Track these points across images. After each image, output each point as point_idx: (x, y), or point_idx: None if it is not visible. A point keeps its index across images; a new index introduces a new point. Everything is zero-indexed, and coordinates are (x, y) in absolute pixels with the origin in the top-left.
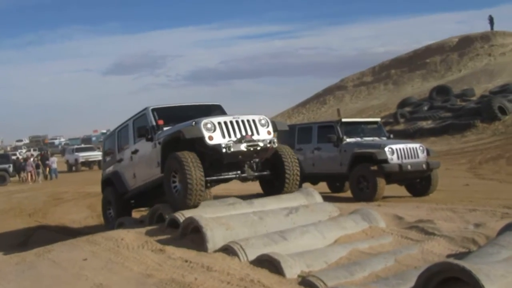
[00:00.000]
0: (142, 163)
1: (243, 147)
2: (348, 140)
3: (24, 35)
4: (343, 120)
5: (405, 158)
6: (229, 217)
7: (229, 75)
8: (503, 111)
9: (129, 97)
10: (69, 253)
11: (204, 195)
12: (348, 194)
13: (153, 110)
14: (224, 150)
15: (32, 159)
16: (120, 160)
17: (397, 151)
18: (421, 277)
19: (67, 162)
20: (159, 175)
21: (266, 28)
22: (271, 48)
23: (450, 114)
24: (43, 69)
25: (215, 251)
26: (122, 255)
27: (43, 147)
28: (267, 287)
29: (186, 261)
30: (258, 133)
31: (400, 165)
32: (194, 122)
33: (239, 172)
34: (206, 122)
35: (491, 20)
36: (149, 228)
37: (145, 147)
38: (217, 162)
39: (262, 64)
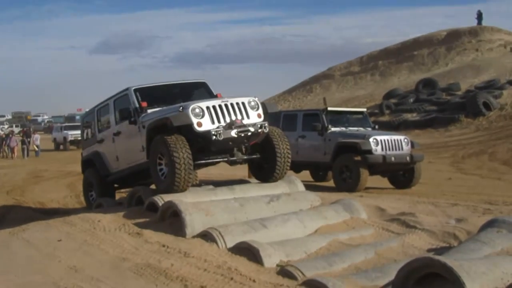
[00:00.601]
0: (125, 146)
1: (233, 133)
2: (333, 129)
3: (11, 9)
4: (329, 109)
5: (389, 149)
6: (210, 203)
7: (216, 59)
8: (487, 106)
9: (115, 77)
10: (44, 233)
11: (192, 179)
12: (330, 183)
13: (135, 90)
14: (213, 138)
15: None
16: (101, 141)
17: (381, 142)
18: (401, 272)
19: (54, 140)
20: (144, 160)
21: (255, 13)
22: (259, 34)
23: (435, 107)
24: (29, 45)
25: (194, 236)
26: (98, 237)
27: (26, 124)
28: (244, 275)
29: (163, 245)
30: (248, 116)
31: (384, 157)
32: (181, 108)
33: (228, 155)
34: (194, 107)
35: (479, 16)
36: (127, 210)
37: (128, 129)
38: (206, 147)
39: (249, 49)
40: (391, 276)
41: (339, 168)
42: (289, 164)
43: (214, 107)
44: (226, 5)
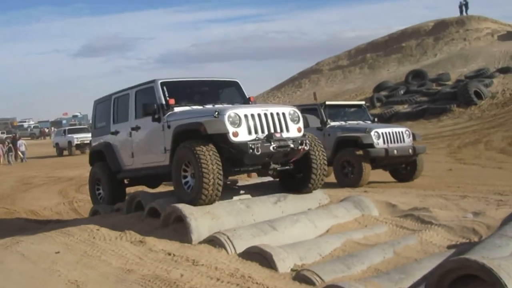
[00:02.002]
0: (144, 144)
1: (271, 148)
2: (332, 123)
3: None
4: (327, 103)
5: (391, 142)
6: (214, 206)
7: (201, 58)
8: (479, 95)
9: (100, 80)
10: (40, 245)
11: (219, 194)
12: (331, 179)
13: (162, 84)
14: (250, 151)
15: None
16: (115, 133)
17: (383, 135)
18: (435, 275)
19: (57, 145)
20: (164, 163)
21: (237, 11)
22: (243, 32)
23: (426, 98)
24: (11, 51)
25: (200, 242)
26: (98, 247)
27: (12, 130)
28: (260, 283)
29: (169, 254)
30: (287, 129)
31: (386, 150)
32: (217, 113)
33: (260, 167)
34: (231, 115)
35: (465, 5)
36: (126, 217)
37: (149, 126)
38: (239, 159)
39: (233, 48)
40: (414, 277)
41: (340, 163)
42: (325, 174)
43: (252, 115)
44: (208, 4)
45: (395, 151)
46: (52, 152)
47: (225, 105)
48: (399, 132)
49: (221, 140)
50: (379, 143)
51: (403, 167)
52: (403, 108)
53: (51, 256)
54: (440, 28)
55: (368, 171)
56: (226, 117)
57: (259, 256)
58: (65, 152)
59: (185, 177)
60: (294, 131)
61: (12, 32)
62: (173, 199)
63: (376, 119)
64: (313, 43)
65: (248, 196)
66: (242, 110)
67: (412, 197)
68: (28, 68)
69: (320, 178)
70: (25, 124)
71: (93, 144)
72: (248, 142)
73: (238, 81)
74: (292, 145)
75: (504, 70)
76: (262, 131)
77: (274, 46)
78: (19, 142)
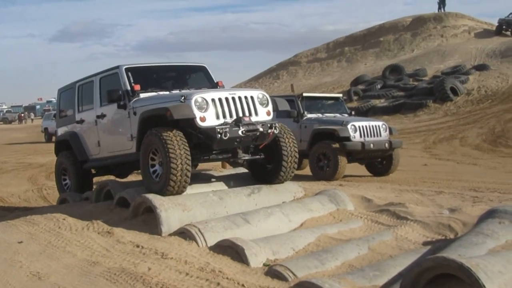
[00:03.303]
0: (110, 132)
1: (240, 132)
2: (309, 115)
3: None
4: (304, 94)
5: (367, 136)
6: (186, 197)
7: (179, 46)
8: (455, 92)
9: (75, 66)
10: (2, 234)
11: (188, 182)
12: (306, 171)
13: (127, 70)
14: (218, 136)
15: None
16: (81, 121)
17: (359, 129)
18: (411, 273)
19: (45, 130)
20: (132, 151)
21: (217, 1)
22: (222, 22)
23: (403, 93)
24: None
25: (170, 234)
26: (63, 237)
27: None
28: (231, 279)
29: (138, 246)
30: (256, 113)
31: (362, 143)
32: (183, 97)
33: (230, 155)
34: (198, 99)
35: (442, 1)
36: (95, 206)
37: (115, 114)
38: (207, 145)
39: (213, 37)
40: (389, 274)
41: (316, 155)
42: (295, 166)
43: (220, 99)
44: None
45: (372, 145)
46: (25, 138)
47: (192, 90)
48: (376, 126)
49: (188, 126)
50: (356, 137)
51: (379, 161)
52: (380, 102)
53: (13, 246)
54: (418, 24)
55: (344, 165)
56: (192, 101)
57: (231, 250)
58: (54, 138)
59: (153, 165)
60: (263, 114)
61: None
62: (144, 189)
63: (353, 112)
64: (292, 35)
65: (222, 187)
66: (209, 95)
67: (388, 191)
68: (2, 51)
69: (291, 167)
70: None
71: (58, 133)
72: (216, 127)
73: (205, 65)
74: (261, 129)
75: (480, 67)
76: (230, 116)
77: (254, 37)
78: None
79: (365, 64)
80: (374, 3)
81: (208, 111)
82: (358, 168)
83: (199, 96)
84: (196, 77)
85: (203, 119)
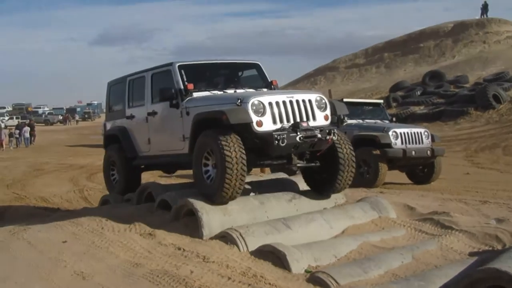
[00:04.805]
0: (161, 131)
1: (298, 138)
2: (349, 121)
3: (10, 0)
4: (344, 100)
5: (409, 143)
6: None
7: (216, 51)
8: (497, 99)
9: (115, 69)
10: (47, 233)
11: (242, 187)
12: None
13: (180, 67)
14: (276, 142)
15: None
16: (131, 117)
17: (401, 135)
18: (460, 284)
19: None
20: (183, 151)
21: (255, 6)
22: (259, 27)
23: (443, 100)
24: (28, 36)
25: (211, 238)
26: (106, 238)
27: (27, 115)
28: (272, 284)
29: (179, 248)
30: (314, 118)
31: (404, 150)
32: (239, 100)
33: (284, 161)
34: (255, 102)
35: (485, 7)
36: (136, 208)
37: (167, 112)
38: (261, 150)
39: (249, 42)
40: (435, 284)
41: (356, 162)
42: (352, 176)
43: (277, 103)
44: None
45: (413, 152)
46: (67, 140)
47: (248, 91)
48: (417, 133)
49: (244, 130)
50: (397, 143)
51: (420, 169)
52: (419, 109)
53: (57, 246)
54: (459, 30)
55: (385, 172)
56: (249, 105)
57: (272, 255)
58: None
59: (206, 167)
60: (321, 119)
61: (31, 18)
62: (185, 192)
63: (394, 119)
64: (330, 41)
65: (262, 192)
66: (266, 98)
67: (430, 200)
68: (46, 54)
69: (347, 178)
70: (40, 110)
71: (108, 127)
72: (273, 133)
73: (259, 63)
74: (319, 135)
75: None
76: (287, 120)
77: (291, 42)
78: (24, 128)
79: (404, 70)
80: (413, 9)
81: (265, 115)
82: (399, 176)
83: (256, 99)
84: (249, 75)
85: (259, 124)
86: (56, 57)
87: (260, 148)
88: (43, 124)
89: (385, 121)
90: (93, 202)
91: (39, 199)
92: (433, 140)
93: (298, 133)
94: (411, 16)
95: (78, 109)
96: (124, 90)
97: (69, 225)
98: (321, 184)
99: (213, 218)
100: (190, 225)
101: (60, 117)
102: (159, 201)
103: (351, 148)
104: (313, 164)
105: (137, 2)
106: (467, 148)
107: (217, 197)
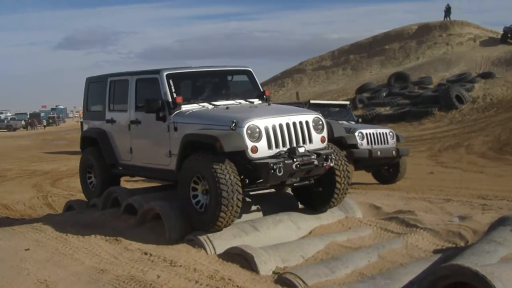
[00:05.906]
0: (145, 142)
1: (294, 166)
2: None
3: None
4: (311, 101)
5: (375, 143)
6: None
7: (184, 54)
8: (460, 100)
9: (79, 73)
10: (9, 241)
11: (237, 214)
12: None
13: (168, 76)
14: (271, 172)
15: None
16: (111, 121)
17: (367, 136)
18: (424, 282)
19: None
20: (169, 167)
21: (222, 9)
22: (227, 29)
23: (408, 101)
24: None
25: (178, 242)
26: (71, 245)
27: None
28: (240, 286)
29: (146, 253)
30: (310, 140)
31: (370, 151)
32: (233, 124)
33: (278, 183)
34: (250, 127)
35: (448, 10)
36: (102, 213)
37: (152, 124)
38: (256, 177)
39: (217, 45)
40: (401, 282)
41: None
42: (347, 191)
43: (274, 126)
44: (192, 0)
45: (379, 153)
46: (30, 146)
47: (241, 105)
48: (383, 133)
49: (237, 155)
50: (363, 144)
51: (385, 169)
52: (385, 110)
53: (20, 253)
54: (423, 32)
55: (351, 172)
56: (244, 129)
57: (240, 258)
58: None
59: (195, 189)
60: (317, 142)
61: None
62: (151, 195)
63: (360, 120)
64: (296, 43)
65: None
66: (263, 122)
67: (396, 199)
68: (5, 59)
69: (342, 196)
70: (2, 116)
71: (85, 127)
72: (269, 162)
73: (250, 69)
74: (316, 162)
75: (485, 75)
76: (283, 144)
77: (258, 45)
78: None
79: (370, 72)
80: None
81: (260, 140)
82: (365, 176)
83: (251, 123)
84: (241, 83)
85: (254, 150)
86: (19, 62)
87: (253, 175)
88: (5, 130)
89: (351, 122)
90: (58, 209)
91: (1, 207)
92: (398, 140)
93: (295, 160)
94: (375, 19)
95: (43, 114)
96: (104, 90)
97: (32, 232)
98: (315, 200)
99: (179, 221)
100: (157, 229)
101: (23, 123)
102: (125, 205)
103: (346, 162)
104: (306, 182)
105: (102, 5)
106: (431, 148)
107: (211, 226)
